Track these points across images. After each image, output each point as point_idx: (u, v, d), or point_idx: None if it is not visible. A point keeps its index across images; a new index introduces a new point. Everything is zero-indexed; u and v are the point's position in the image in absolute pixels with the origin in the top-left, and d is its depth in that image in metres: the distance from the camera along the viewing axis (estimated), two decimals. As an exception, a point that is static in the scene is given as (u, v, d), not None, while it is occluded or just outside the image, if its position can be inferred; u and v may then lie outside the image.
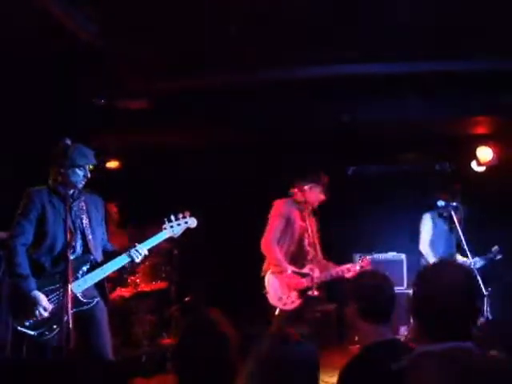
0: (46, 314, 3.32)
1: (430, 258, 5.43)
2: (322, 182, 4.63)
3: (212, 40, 4.52)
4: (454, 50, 4.79)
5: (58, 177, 3.53)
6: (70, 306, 3.15)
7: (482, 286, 5.19)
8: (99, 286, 3.63)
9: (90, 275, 3.53)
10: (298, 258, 4.57)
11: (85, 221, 3.59)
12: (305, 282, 4.45)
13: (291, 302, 4.43)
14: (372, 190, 6.93)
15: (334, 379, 2.35)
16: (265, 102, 5.77)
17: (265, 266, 4.58)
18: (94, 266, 3.57)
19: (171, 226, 3.75)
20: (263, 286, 4.50)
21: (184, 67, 5.12)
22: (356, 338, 5.00)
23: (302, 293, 4.44)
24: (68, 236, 3.35)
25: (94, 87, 5.48)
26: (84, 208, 3.62)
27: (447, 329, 1.80)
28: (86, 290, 3.52)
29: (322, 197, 4.67)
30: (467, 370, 1.70)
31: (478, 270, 5.32)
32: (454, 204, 5.53)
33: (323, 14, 4.13)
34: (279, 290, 4.43)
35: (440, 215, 5.66)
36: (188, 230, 3.82)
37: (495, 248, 5.45)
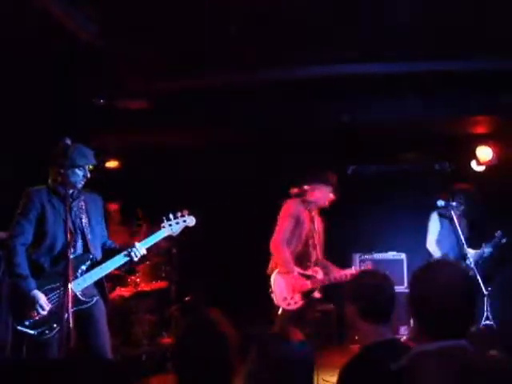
0: (44, 313, 3.32)
1: (438, 256, 5.46)
2: (331, 182, 4.64)
3: (212, 40, 4.52)
4: (454, 50, 4.79)
5: (57, 177, 3.53)
6: (70, 304, 3.15)
7: (481, 285, 5.22)
8: (99, 284, 3.63)
9: (89, 274, 3.54)
10: (302, 258, 4.57)
11: (84, 220, 3.59)
12: (309, 285, 4.46)
13: (294, 302, 4.44)
14: (372, 190, 6.94)
15: (334, 378, 2.35)
16: (265, 101, 5.78)
17: (271, 265, 4.59)
18: (94, 264, 3.58)
19: (170, 225, 3.76)
20: (268, 285, 4.51)
21: (184, 67, 5.12)
22: (356, 338, 5.01)
23: (306, 294, 4.45)
24: (68, 236, 3.35)
25: (93, 87, 5.48)
26: (83, 207, 3.62)
27: (444, 327, 1.81)
28: (86, 288, 3.52)
29: (331, 197, 4.68)
30: (465, 367, 1.70)
31: (479, 268, 5.35)
32: (454, 203, 5.54)
33: (323, 13, 4.13)
34: (285, 290, 4.44)
35: (440, 215, 5.68)
36: (187, 228, 3.82)
37: (498, 232, 5.56)
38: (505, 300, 5.28)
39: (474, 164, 6.71)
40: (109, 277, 3.80)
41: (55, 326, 3.32)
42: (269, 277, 4.55)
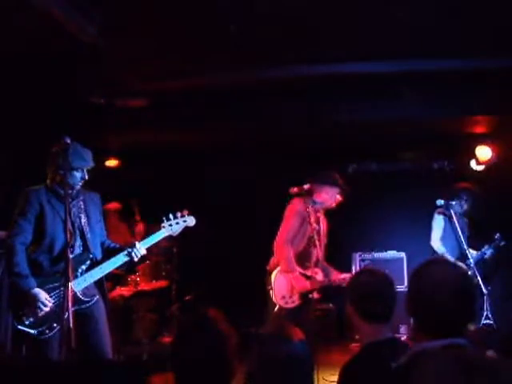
0: (47, 309, 3.33)
1: (443, 254, 5.47)
2: (338, 184, 4.65)
3: (212, 40, 4.53)
4: (454, 49, 4.79)
5: (55, 177, 3.53)
6: (70, 304, 3.16)
7: (481, 284, 5.23)
8: (99, 284, 3.64)
9: (89, 273, 3.54)
10: (303, 258, 4.58)
11: (83, 220, 3.60)
12: (308, 285, 4.47)
13: (292, 301, 4.46)
14: (372, 188, 6.94)
15: (335, 378, 2.37)
16: (265, 101, 5.78)
17: (273, 262, 4.60)
18: (94, 264, 3.59)
19: (170, 225, 3.77)
20: (268, 282, 4.53)
21: (184, 67, 5.13)
22: (356, 337, 5.03)
23: (304, 295, 4.47)
24: (68, 236, 3.36)
25: (93, 86, 5.48)
26: (82, 207, 3.62)
27: (440, 326, 1.82)
28: (86, 288, 3.53)
29: (338, 198, 4.69)
30: (464, 366, 1.71)
31: (479, 267, 5.37)
32: (454, 202, 5.56)
33: (323, 13, 4.14)
34: (284, 288, 4.46)
35: (440, 214, 5.69)
36: (187, 228, 3.83)
37: (497, 235, 5.63)
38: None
39: (473, 163, 6.72)
40: (109, 276, 3.80)
41: (55, 325, 3.33)
42: (269, 273, 4.57)
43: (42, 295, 3.34)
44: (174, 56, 4.88)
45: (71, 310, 3.15)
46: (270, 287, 4.51)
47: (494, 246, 5.61)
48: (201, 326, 1.99)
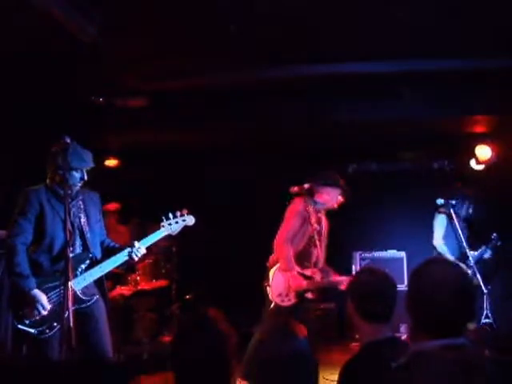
0: (45, 313, 3.34)
1: (445, 253, 5.48)
2: (340, 185, 4.65)
3: (212, 40, 4.53)
4: (454, 49, 4.79)
5: (55, 176, 3.53)
6: (70, 303, 3.16)
7: (481, 283, 5.24)
8: (99, 283, 3.64)
9: (88, 273, 3.55)
10: (303, 257, 4.59)
11: (83, 219, 3.60)
12: (305, 285, 4.49)
13: (288, 299, 4.48)
14: (372, 188, 6.95)
15: (335, 377, 2.37)
16: (265, 101, 5.78)
17: (272, 259, 4.61)
18: (93, 263, 3.59)
19: (169, 224, 3.77)
20: (267, 278, 4.54)
21: (184, 67, 5.13)
22: (357, 336, 5.03)
23: (300, 293, 4.48)
24: (67, 235, 3.36)
25: (93, 86, 5.48)
26: (82, 207, 3.63)
27: (441, 326, 1.82)
28: (86, 287, 3.53)
29: (340, 199, 4.70)
30: (464, 365, 1.71)
31: (483, 266, 5.38)
32: (453, 202, 5.56)
33: (323, 13, 4.14)
34: (281, 286, 4.48)
35: (441, 213, 5.70)
36: (186, 227, 3.84)
37: (494, 235, 5.64)
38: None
39: (473, 163, 6.72)
40: (109, 275, 3.81)
41: (55, 324, 3.33)
42: (269, 269, 4.58)
43: (42, 297, 3.34)
44: (173, 56, 4.88)
45: (71, 309, 3.16)
46: (267, 284, 4.53)
47: (492, 246, 5.62)
48: (201, 326, 1.99)
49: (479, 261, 5.53)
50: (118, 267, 3.74)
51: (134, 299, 5.93)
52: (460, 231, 5.42)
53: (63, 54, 4.58)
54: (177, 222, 3.79)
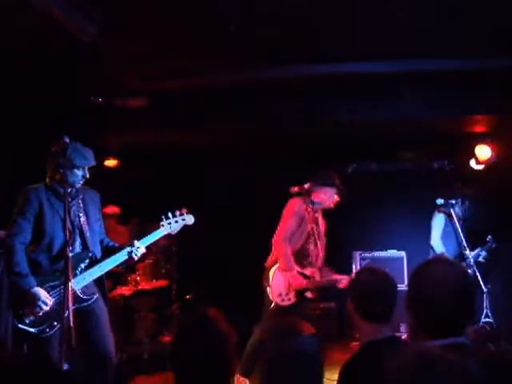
0: (47, 309, 3.34)
1: (442, 253, 5.49)
2: (336, 184, 4.66)
3: (212, 40, 4.53)
4: (454, 49, 4.79)
5: (55, 175, 3.53)
6: (70, 302, 3.16)
7: (481, 282, 5.24)
8: (99, 283, 3.65)
9: (88, 272, 3.55)
10: (301, 256, 4.60)
11: (82, 218, 3.61)
12: (305, 284, 4.50)
13: (288, 299, 4.49)
14: (372, 188, 6.95)
15: (335, 376, 2.37)
16: (265, 101, 5.78)
17: (271, 259, 4.62)
18: (93, 262, 3.60)
19: (169, 223, 3.78)
20: (266, 278, 4.55)
21: (184, 67, 5.13)
22: (357, 336, 5.04)
23: (300, 292, 4.49)
24: (67, 235, 3.36)
25: (93, 86, 5.48)
26: (81, 206, 3.63)
27: (441, 326, 1.82)
28: (86, 286, 3.54)
29: (336, 198, 4.71)
30: (464, 365, 1.71)
31: (480, 266, 5.38)
32: (453, 202, 5.57)
33: (324, 13, 4.14)
34: (281, 286, 4.49)
35: (440, 212, 5.70)
36: (186, 227, 3.84)
37: (489, 237, 5.62)
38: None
39: (473, 163, 6.72)
40: (109, 275, 3.81)
41: (55, 323, 3.34)
42: (267, 270, 4.58)
43: (42, 294, 3.35)
44: (173, 56, 4.88)
45: (71, 308, 3.16)
46: (266, 284, 4.53)
47: (487, 248, 5.60)
48: (201, 326, 1.99)
49: (475, 262, 5.53)
50: (117, 266, 3.75)
51: (134, 299, 5.93)
52: (459, 229, 5.42)
53: (63, 54, 4.58)
54: (176, 222, 3.80)
